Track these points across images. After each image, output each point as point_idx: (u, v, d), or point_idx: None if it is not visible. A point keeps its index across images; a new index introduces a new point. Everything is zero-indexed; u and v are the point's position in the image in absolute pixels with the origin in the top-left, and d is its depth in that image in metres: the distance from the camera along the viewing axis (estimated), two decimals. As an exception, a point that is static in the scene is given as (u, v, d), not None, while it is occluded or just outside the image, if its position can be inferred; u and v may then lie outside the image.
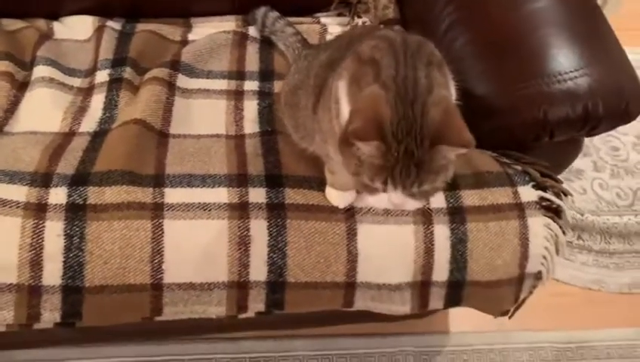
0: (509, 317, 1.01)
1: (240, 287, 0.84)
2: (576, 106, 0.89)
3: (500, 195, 0.90)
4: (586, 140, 1.77)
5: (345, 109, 0.69)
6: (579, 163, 1.67)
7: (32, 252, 0.79)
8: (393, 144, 0.63)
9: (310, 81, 0.84)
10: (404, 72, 0.66)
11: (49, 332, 0.87)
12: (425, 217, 0.87)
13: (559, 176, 1.02)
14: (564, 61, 0.91)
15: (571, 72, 0.90)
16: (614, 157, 1.71)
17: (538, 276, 0.92)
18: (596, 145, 1.74)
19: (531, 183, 0.93)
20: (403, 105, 0.63)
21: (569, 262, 1.49)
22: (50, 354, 1.18)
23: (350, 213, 0.87)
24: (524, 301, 0.97)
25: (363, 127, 0.62)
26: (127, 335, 1.00)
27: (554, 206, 0.93)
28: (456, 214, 0.88)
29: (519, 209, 0.90)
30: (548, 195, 0.92)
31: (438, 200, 0.88)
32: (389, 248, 0.87)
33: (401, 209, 0.70)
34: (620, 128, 1.77)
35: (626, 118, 0.92)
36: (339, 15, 1.21)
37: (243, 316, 0.89)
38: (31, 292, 0.80)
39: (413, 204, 0.69)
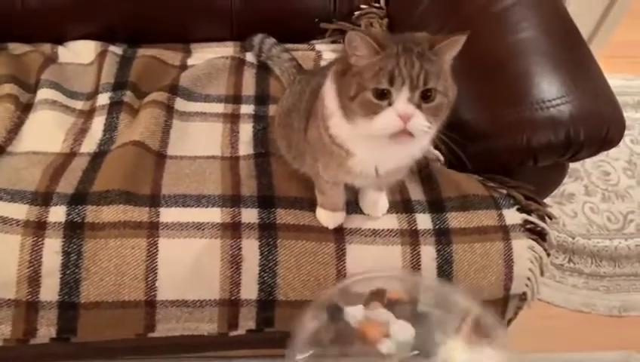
0: (496, 338, 1.02)
1: (231, 305, 0.86)
2: (559, 132, 0.92)
3: (485, 218, 0.93)
4: (578, 164, 1.81)
5: (330, 98, 0.72)
6: (570, 187, 1.71)
7: (31, 268, 0.82)
8: (389, 43, 0.66)
9: (302, 105, 0.87)
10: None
11: (44, 347, 0.89)
12: (412, 238, 0.90)
13: (548, 200, 1.05)
14: (548, 89, 0.95)
15: (554, 99, 0.93)
16: (605, 181, 1.74)
17: (523, 297, 0.95)
18: (587, 169, 1.77)
19: (516, 206, 0.95)
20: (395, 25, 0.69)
21: (560, 285, 1.51)
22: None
23: (340, 234, 0.90)
24: (509, 322, 0.99)
25: (356, 36, 0.66)
26: (120, 352, 1.02)
27: (538, 228, 0.95)
28: (443, 236, 0.91)
29: (504, 231, 0.92)
30: (532, 218, 0.95)
31: (425, 222, 0.91)
32: (377, 268, 0.89)
33: (408, 129, 0.66)
34: (611, 153, 1.83)
35: (607, 144, 0.95)
36: (333, 42, 1.25)
37: (234, 333, 0.91)
38: (28, 308, 0.82)
39: (420, 122, 0.66)
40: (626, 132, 1.85)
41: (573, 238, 1.59)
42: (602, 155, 1.81)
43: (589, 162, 1.78)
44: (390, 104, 0.66)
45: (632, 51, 2.13)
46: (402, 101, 0.66)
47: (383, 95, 0.66)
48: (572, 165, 1.10)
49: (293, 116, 0.90)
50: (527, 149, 0.93)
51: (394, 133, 0.67)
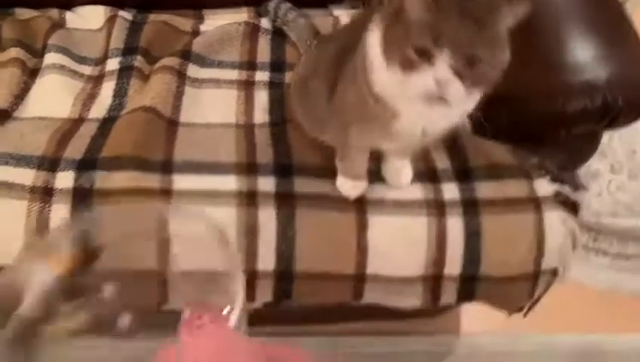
0: (524, 315, 0.98)
1: (248, 276, 0.82)
2: (595, 98, 0.87)
3: (516, 188, 0.88)
4: (603, 141, 1.75)
5: (375, 48, 0.67)
6: (596, 165, 1.64)
7: (38, 236, 0.78)
8: (445, 1, 0.61)
9: (322, 70, 0.82)
10: None
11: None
12: (438, 209, 0.85)
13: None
14: (583, 52, 0.89)
15: (590, 62, 0.88)
16: (632, 159, 1.68)
17: (554, 272, 0.90)
18: (614, 147, 1.70)
19: (548, 177, 0.90)
20: None
21: (585, 265, 1.46)
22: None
23: (361, 204, 0.85)
24: (539, 298, 0.94)
25: None
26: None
27: (571, 201, 0.90)
28: (470, 206, 0.86)
29: (535, 203, 0.87)
30: (565, 189, 0.90)
31: (452, 192, 0.86)
32: (400, 240, 0.85)
33: (443, 95, 0.62)
34: (639, 129, 1.75)
35: (646, 110, 0.90)
36: (352, 7, 1.20)
37: (250, 307, 0.87)
38: (35, 277, 0.79)
39: (457, 90, 0.62)
40: (654, 108, 1.79)
41: (599, 217, 1.54)
42: (629, 131, 1.74)
43: (615, 139, 1.72)
44: (431, 65, 0.62)
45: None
46: (442, 65, 0.61)
47: (425, 53, 0.61)
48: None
49: (311, 83, 0.85)
50: (561, 116, 0.88)
51: (428, 96, 0.63)
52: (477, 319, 1.34)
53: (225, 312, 0.41)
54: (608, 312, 1.39)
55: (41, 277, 0.49)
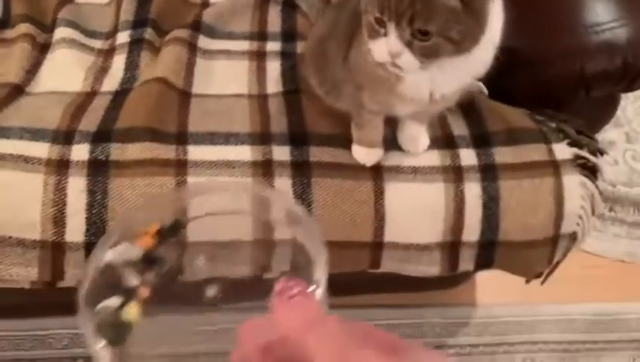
0: (542, 282, 0.97)
1: (265, 246, 0.82)
2: (615, 58, 0.85)
3: (534, 152, 0.87)
4: (618, 111, 1.73)
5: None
6: (611, 134, 1.62)
7: (55, 208, 0.78)
8: None
9: (339, 30, 0.81)
10: None
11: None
12: (455, 175, 0.84)
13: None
14: (602, 11, 0.87)
15: (609, 22, 0.86)
16: (647, 128, 1.66)
17: (573, 237, 0.89)
18: (628, 116, 1.68)
19: (566, 141, 0.89)
20: None
21: (601, 234, 1.45)
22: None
23: (378, 172, 0.84)
24: (558, 264, 0.93)
25: None
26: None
27: (589, 164, 0.89)
28: (488, 172, 0.85)
29: (554, 166, 0.86)
30: (583, 153, 0.88)
31: (469, 158, 0.85)
32: (417, 207, 0.84)
33: (396, 66, 0.66)
34: (654, 98, 1.73)
35: (667, 71, 0.88)
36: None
37: (266, 276, 0.87)
38: (55, 249, 0.79)
39: (408, 60, 0.65)
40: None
41: (614, 186, 1.52)
42: (643, 100, 1.72)
43: (629, 108, 1.69)
44: (385, 35, 0.64)
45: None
46: (392, 35, 0.64)
47: (382, 23, 0.64)
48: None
49: (327, 45, 0.84)
50: (580, 77, 0.86)
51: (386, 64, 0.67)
52: (492, 290, 1.34)
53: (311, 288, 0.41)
54: (625, 281, 1.38)
55: (129, 254, 0.50)
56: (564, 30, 0.87)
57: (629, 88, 0.90)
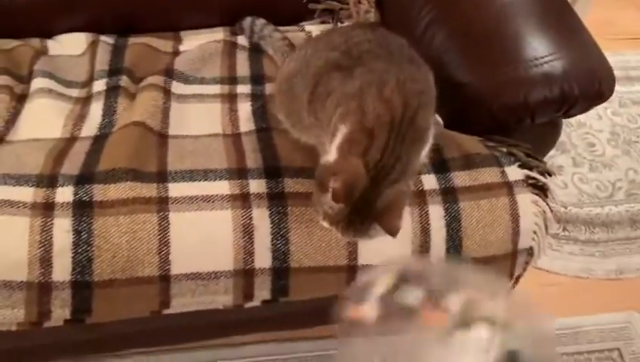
0: (505, 297, 1.04)
1: (246, 275, 0.86)
2: (554, 88, 0.95)
3: (489, 175, 0.95)
4: (564, 137, 1.85)
5: (334, 150, 0.79)
6: (559, 159, 1.74)
7: (42, 249, 0.80)
8: (351, 211, 0.76)
9: (309, 72, 0.88)
10: (388, 158, 0.77)
11: (58, 333, 0.88)
12: (419, 198, 0.91)
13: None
14: (539, 47, 0.98)
15: (546, 56, 0.96)
16: (591, 152, 1.79)
17: (530, 252, 0.96)
18: (574, 142, 1.81)
19: (517, 163, 0.97)
20: (371, 186, 0.76)
21: (557, 253, 1.54)
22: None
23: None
24: (518, 278, 1.01)
25: (339, 192, 0.74)
26: (134, 338, 1.01)
27: (540, 184, 0.97)
28: (449, 194, 0.92)
29: (508, 187, 0.94)
30: (533, 174, 0.97)
31: (430, 182, 0.93)
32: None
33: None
34: (595, 125, 1.87)
35: (599, 97, 0.99)
36: (322, 22, 1.27)
37: (248, 305, 0.90)
38: (41, 289, 0.81)
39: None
40: (607, 105, 1.91)
41: (566, 208, 1.63)
42: (586, 128, 1.86)
43: (574, 135, 1.83)
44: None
45: (607, 29, 2.18)
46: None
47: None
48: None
49: (295, 81, 0.91)
50: (525, 106, 0.96)
51: None
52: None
53: None
54: (583, 295, 1.47)
55: None
56: (508, 64, 0.97)
57: (568, 114, 1.00)
